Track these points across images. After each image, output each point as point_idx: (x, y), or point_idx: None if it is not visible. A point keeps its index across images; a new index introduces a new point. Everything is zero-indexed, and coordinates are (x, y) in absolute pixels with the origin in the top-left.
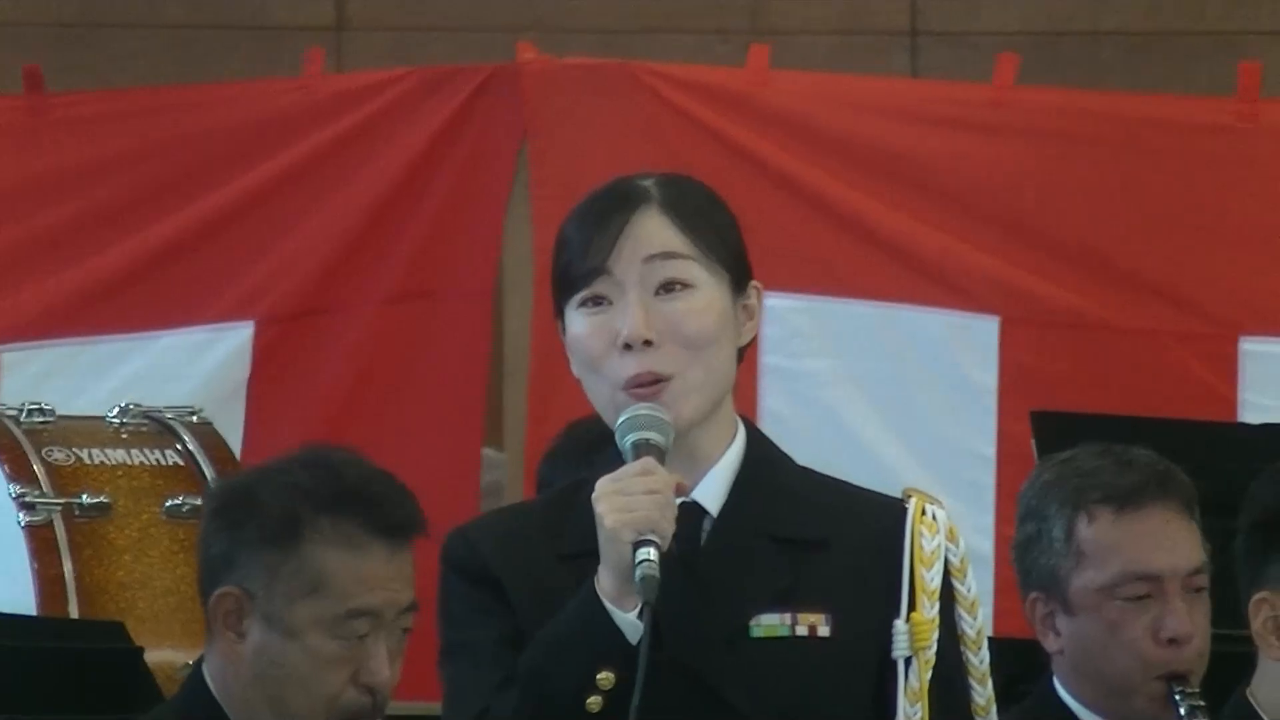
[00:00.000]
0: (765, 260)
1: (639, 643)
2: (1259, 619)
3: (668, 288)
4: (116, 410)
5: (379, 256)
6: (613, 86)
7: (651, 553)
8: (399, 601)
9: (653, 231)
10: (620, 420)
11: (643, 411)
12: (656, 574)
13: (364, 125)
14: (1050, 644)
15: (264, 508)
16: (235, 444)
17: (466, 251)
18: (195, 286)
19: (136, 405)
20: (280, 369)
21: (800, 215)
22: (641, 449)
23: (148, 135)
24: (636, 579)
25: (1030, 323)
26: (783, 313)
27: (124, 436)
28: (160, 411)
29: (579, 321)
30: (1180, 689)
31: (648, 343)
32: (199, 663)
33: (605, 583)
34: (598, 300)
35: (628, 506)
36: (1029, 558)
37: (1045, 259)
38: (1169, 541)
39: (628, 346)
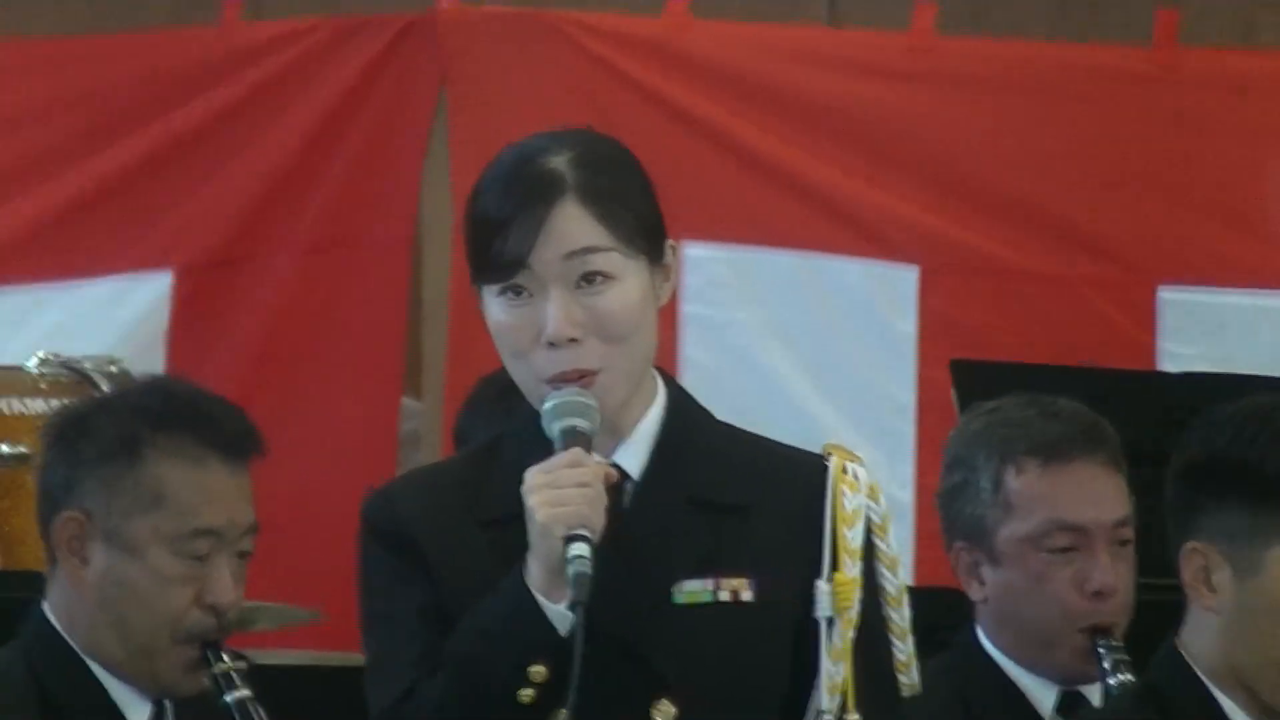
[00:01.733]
0: (685, 209)
1: (570, 635)
2: (1190, 569)
3: (588, 279)
4: (35, 360)
5: (297, 205)
6: (532, 35)
7: (584, 549)
8: (240, 521)
9: (572, 225)
10: (547, 405)
11: (570, 398)
12: (589, 571)
13: (281, 73)
14: (975, 593)
15: (100, 428)
16: None
17: (385, 200)
18: (113, 235)
19: (55, 355)
20: (199, 318)
21: (720, 164)
22: (570, 437)
23: (63, 84)
24: (569, 575)
25: (950, 271)
26: (703, 262)
27: (43, 386)
28: (79, 361)
29: (500, 309)
30: (1104, 641)
31: (572, 340)
32: (38, 601)
33: (535, 575)
34: (517, 291)
35: (559, 500)
36: (955, 507)
37: (965, 207)
38: (1095, 494)
39: (552, 344)
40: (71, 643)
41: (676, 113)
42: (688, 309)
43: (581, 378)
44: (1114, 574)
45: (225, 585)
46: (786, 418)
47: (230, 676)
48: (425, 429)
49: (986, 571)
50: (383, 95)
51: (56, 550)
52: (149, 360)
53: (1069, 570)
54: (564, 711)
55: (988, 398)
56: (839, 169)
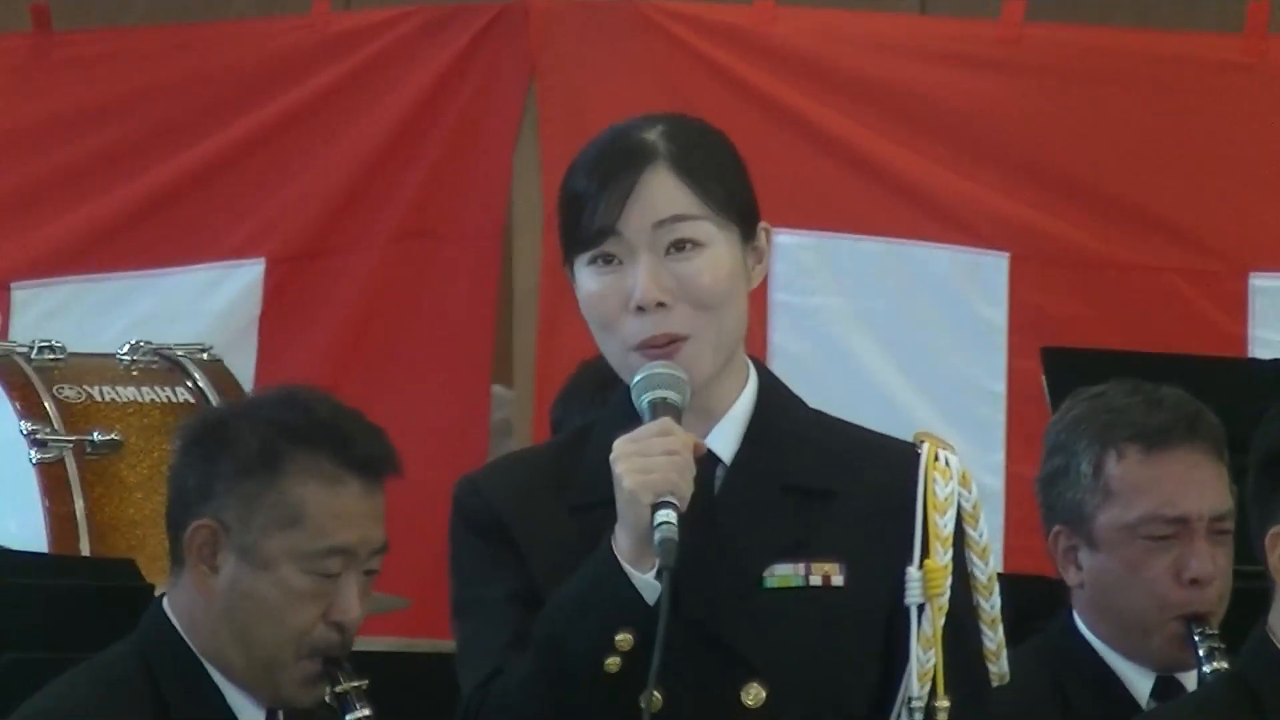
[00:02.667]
0: (773, 198)
1: (657, 604)
2: (1275, 554)
3: (679, 246)
4: (127, 348)
5: (387, 195)
6: (620, 24)
7: (670, 515)
8: (372, 541)
9: (662, 193)
10: (637, 379)
11: (659, 370)
12: (675, 537)
13: (371, 63)
14: (1071, 578)
15: (241, 440)
16: (246, 381)
17: (474, 190)
18: (205, 224)
19: (147, 343)
20: (290, 307)
21: (808, 152)
22: (659, 408)
23: (155, 74)
24: (655, 542)
25: (1040, 260)
26: (791, 250)
27: (134, 374)
28: (171, 349)
29: (590, 279)
30: (1200, 629)
31: (661, 304)
32: (159, 598)
33: (623, 544)
34: (608, 259)
35: (646, 468)
36: (1054, 491)
37: (1054, 196)
38: (1196, 484)
39: (640, 309)
40: (191, 645)
41: (764, 101)
42: (777, 297)
43: (670, 343)
44: (1211, 562)
45: (352, 603)
46: (875, 406)
47: (353, 695)
48: (516, 417)
49: (1084, 556)
50: (473, 85)
51: (186, 555)
52: (241, 348)
53: (1167, 558)
54: (655, 694)
55: (1078, 386)
56: (927, 157)
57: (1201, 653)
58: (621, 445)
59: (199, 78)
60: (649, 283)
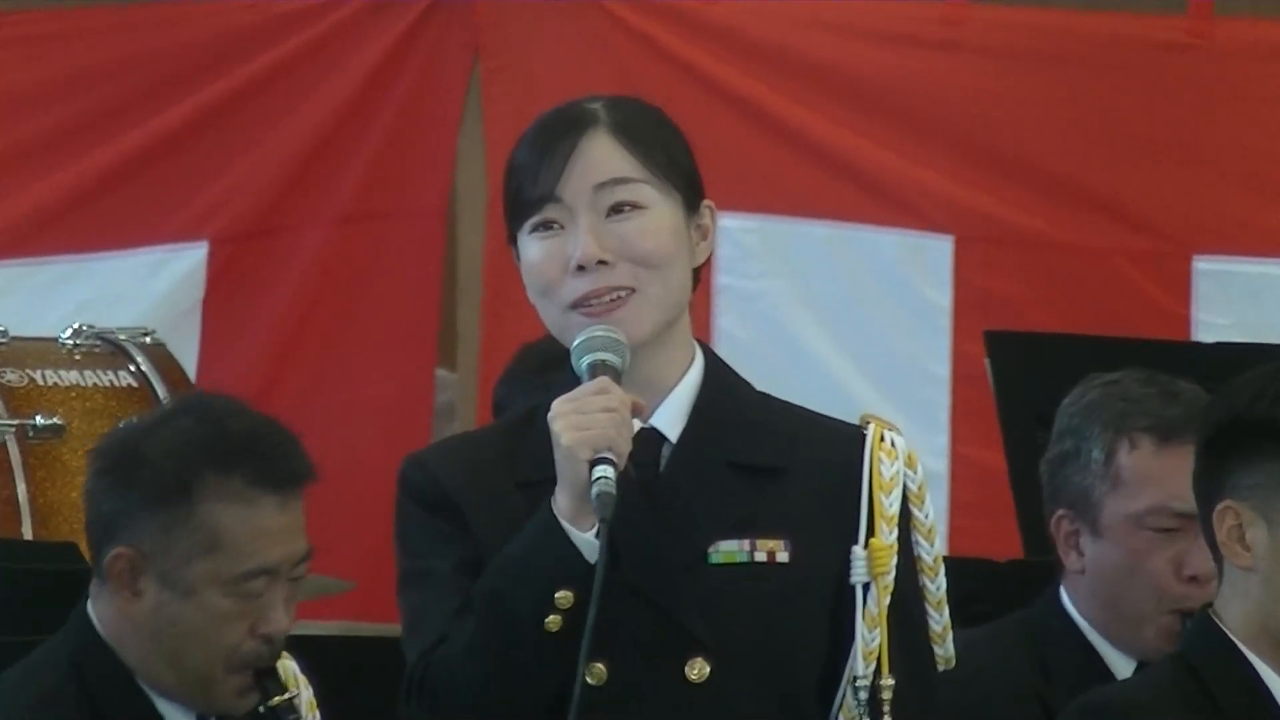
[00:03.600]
0: (717, 181)
1: (597, 561)
2: (1223, 529)
3: (618, 209)
4: (70, 331)
5: (332, 176)
6: (564, 5)
7: (608, 470)
8: (295, 554)
9: (602, 156)
10: (576, 342)
11: (598, 333)
12: (613, 491)
13: (315, 44)
14: (1071, 563)
15: (153, 466)
16: (189, 365)
17: (419, 171)
18: (148, 207)
19: (90, 326)
20: (234, 289)
21: (752, 135)
22: (598, 369)
23: (98, 55)
24: (593, 496)
25: (984, 242)
26: (735, 233)
27: (77, 358)
28: (113, 333)
29: (531, 247)
30: None
31: (602, 262)
32: (83, 605)
33: (562, 502)
34: (548, 225)
35: (584, 425)
36: (1061, 474)
37: (999, 178)
38: None
39: (580, 268)
40: (120, 657)
41: (709, 84)
42: (721, 280)
43: (613, 295)
44: (1211, 561)
45: (279, 616)
46: (820, 389)
47: (285, 708)
48: (460, 400)
49: (1086, 542)
50: (417, 66)
51: (107, 580)
52: (184, 331)
53: (1169, 551)
54: (600, 666)
55: (1023, 368)
56: (872, 140)
57: None
58: (559, 405)
59: (142, 59)
60: (589, 241)
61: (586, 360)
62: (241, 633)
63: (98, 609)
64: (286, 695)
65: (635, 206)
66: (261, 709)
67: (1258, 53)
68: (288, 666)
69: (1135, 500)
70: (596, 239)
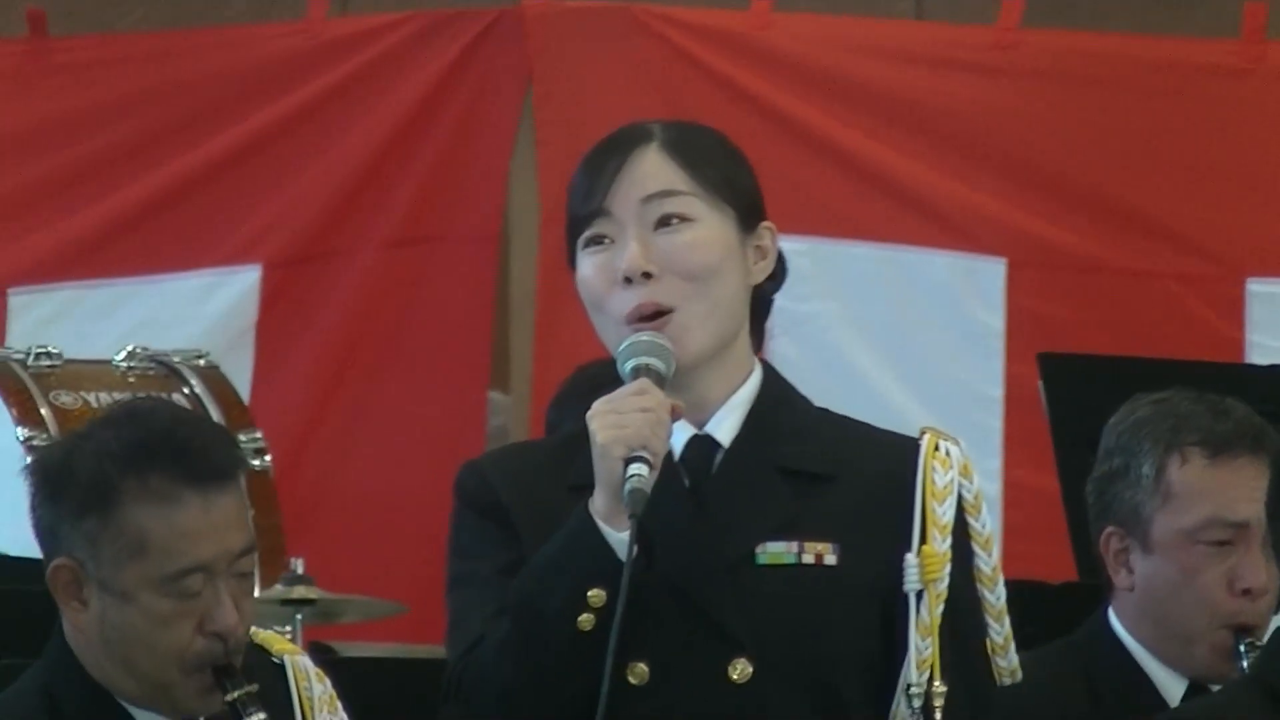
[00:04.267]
0: (768, 203)
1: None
2: None
3: (666, 222)
4: (123, 354)
5: (384, 200)
6: (616, 29)
7: (642, 469)
8: (231, 549)
9: (650, 170)
10: (621, 347)
11: (643, 338)
12: (645, 488)
13: (367, 69)
14: (1121, 580)
15: (75, 475)
16: (243, 387)
17: (471, 195)
18: (201, 230)
19: (143, 349)
20: (287, 312)
21: (803, 157)
22: (640, 372)
23: (151, 79)
24: (625, 492)
25: (1036, 265)
26: (787, 255)
27: (131, 380)
28: (167, 355)
29: (584, 262)
30: (1246, 640)
31: (647, 275)
32: (60, 626)
33: (598, 501)
34: (599, 240)
35: (619, 424)
36: (1110, 491)
37: (1051, 202)
38: (1258, 492)
39: (628, 280)
40: (91, 673)
41: (760, 106)
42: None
43: (657, 313)
44: (1265, 574)
45: (225, 612)
46: (872, 411)
47: (245, 701)
48: (512, 423)
49: (1136, 559)
50: (469, 90)
51: (54, 594)
52: (237, 354)
53: (1222, 566)
54: (642, 666)
55: (1076, 391)
56: (923, 163)
57: (1245, 664)
58: (598, 405)
59: (194, 83)
60: (635, 253)
61: (630, 364)
62: (188, 633)
63: (66, 626)
64: (245, 689)
65: (682, 219)
66: (225, 704)
67: None
68: (299, 663)
69: (1187, 515)
70: (641, 250)
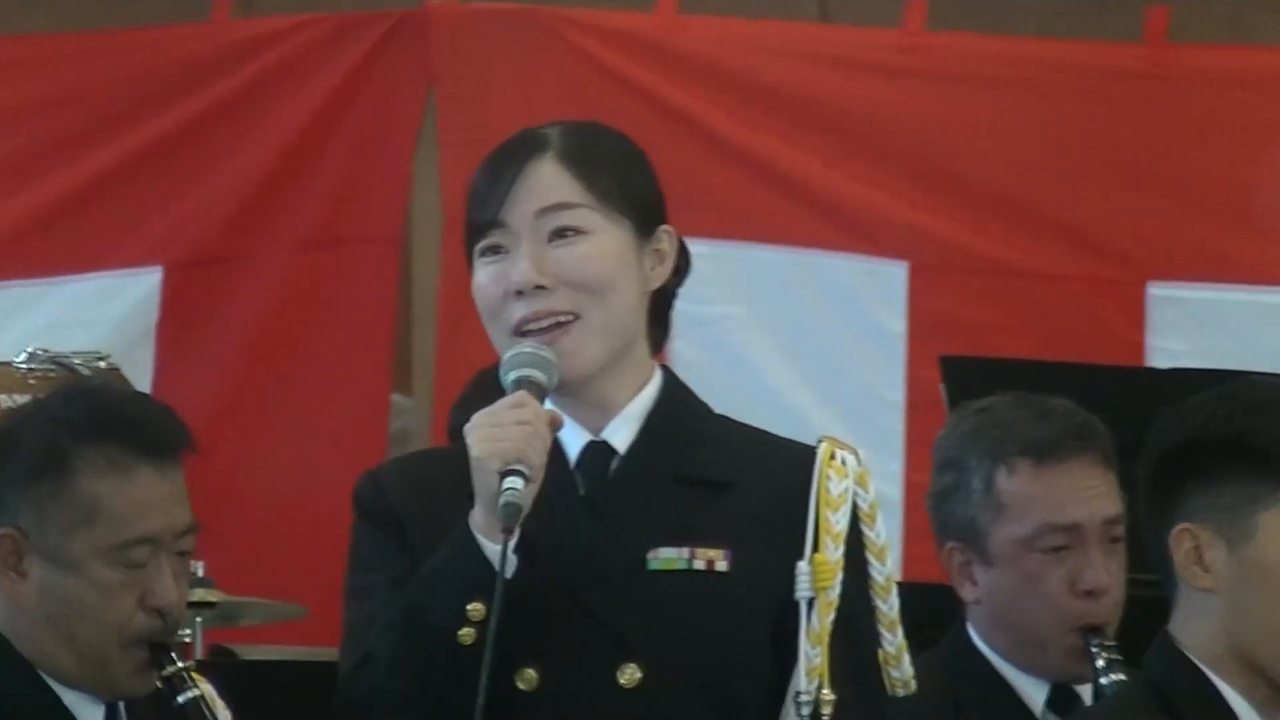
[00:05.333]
0: (673, 205)
1: (509, 572)
2: (1181, 551)
3: (560, 234)
4: (24, 355)
5: (287, 203)
6: (521, 31)
7: (517, 482)
8: (176, 524)
9: (545, 182)
10: (504, 358)
11: (525, 349)
12: (520, 502)
13: (272, 71)
14: (967, 594)
15: (26, 444)
16: (144, 389)
17: (374, 198)
18: (102, 232)
19: (44, 351)
20: (188, 315)
21: (709, 160)
22: (520, 385)
23: (55, 81)
24: (499, 505)
25: (939, 268)
26: (691, 258)
27: (31, 382)
28: (68, 357)
29: (479, 271)
30: (1096, 641)
31: (539, 287)
32: None
33: (477, 515)
34: (495, 250)
35: (496, 436)
36: (946, 508)
37: (954, 204)
38: (1088, 492)
39: (519, 293)
40: (20, 651)
41: (666, 109)
42: (676, 305)
43: (554, 325)
44: (1106, 573)
45: (168, 587)
46: (775, 415)
47: (181, 677)
48: (415, 426)
49: (979, 572)
50: (372, 92)
51: None
52: (139, 356)
53: (1062, 570)
54: (531, 672)
55: (978, 394)
56: (828, 165)
57: (1099, 664)
58: (476, 418)
59: (99, 85)
60: (527, 266)
61: (511, 376)
62: (131, 605)
63: None
64: (181, 666)
65: (576, 231)
66: (159, 682)
67: (1215, 79)
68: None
69: (1021, 524)
70: (535, 264)
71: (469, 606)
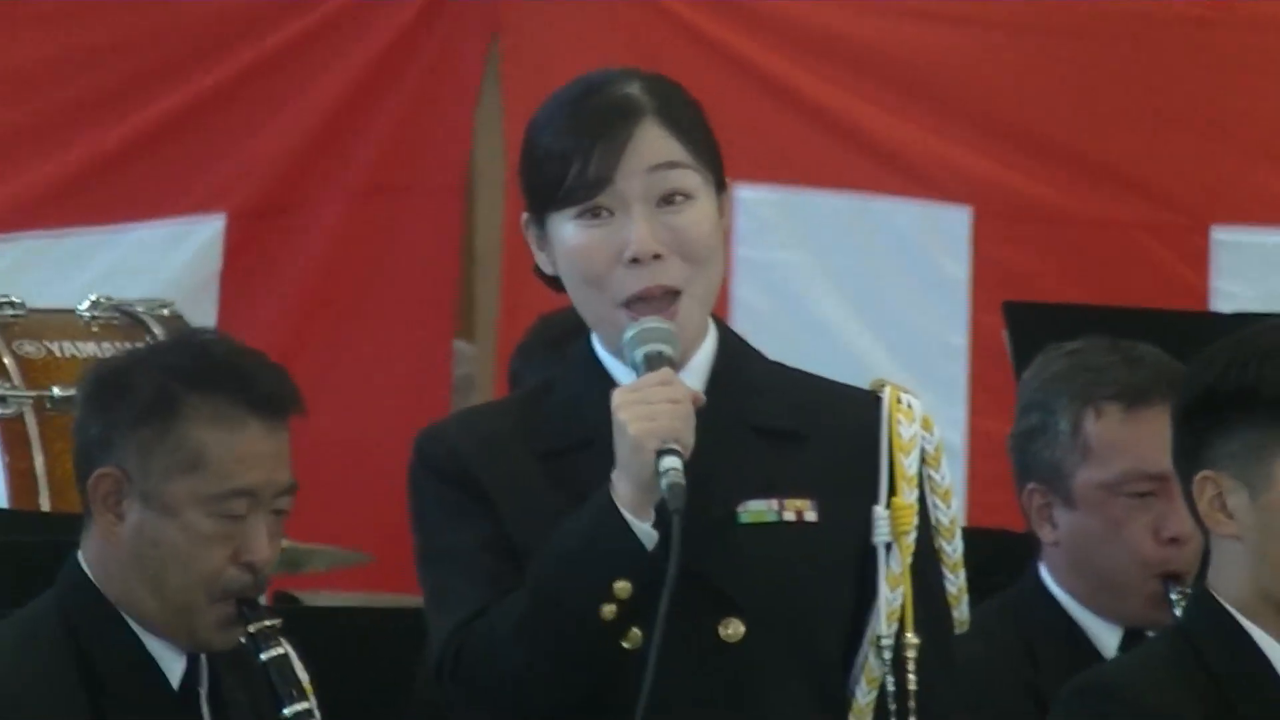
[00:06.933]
0: (734, 151)
1: (654, 551)
2: (1204, 499)
3: (669, 199)
4: (88, 303)
5: (349, 150)
6: None
7: (676, 462)
8: (278, 481)
9: (654, 143)
10: (629, 334)
11: (651, 324)
12: (683, 482)
13: (335, 18)
14: (1046, 535)
15: (137, 387)
16: None
17: (437, 145)
18: (166, 179)
19: (108, 298)
20: (252, 262)
21: (770, 107)
22: (655, 361)
23: (116, 29)
24: (664, 487)
25: (1002, 214)
26: (753, 204)
27: (95, 330)
28: (132, 305)
29: (575, 234)
30: (1176, 588)
31: (657, 256)
32: (74, 550)
33: (623, 491)
34: (597, 212)
35: (651, 415)
36: (1030, 449)
37: (1017, 150)
38: None
39: (635, 260)
40: (107, 596)
41: (726, 56)
42: (739, 251)
43: (664, 295)
44: (1190, 521)
45: (261, 544)
46: (837, 360)
47: (266, 634)
48: (478, 373)
49: (1060, 514)
50: (435, 40)
51: (92, 504)
52: (202, 303)
53: (1146, 516)
54: (635, 630)
55: (1041, 340)
56: (890, 111)
57: (1177, 611)
58: (622, 394)
59: (160, 33)
60: (647, 234)
61: (643, 350)
62: (224, 558)
63: (86, 550)
64: (268, 622)
65: (685, 196)
66: (243, 637)
67: (1275, 24)
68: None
69: (1107, 468)
70: (653, 230)
71: (616, 584)
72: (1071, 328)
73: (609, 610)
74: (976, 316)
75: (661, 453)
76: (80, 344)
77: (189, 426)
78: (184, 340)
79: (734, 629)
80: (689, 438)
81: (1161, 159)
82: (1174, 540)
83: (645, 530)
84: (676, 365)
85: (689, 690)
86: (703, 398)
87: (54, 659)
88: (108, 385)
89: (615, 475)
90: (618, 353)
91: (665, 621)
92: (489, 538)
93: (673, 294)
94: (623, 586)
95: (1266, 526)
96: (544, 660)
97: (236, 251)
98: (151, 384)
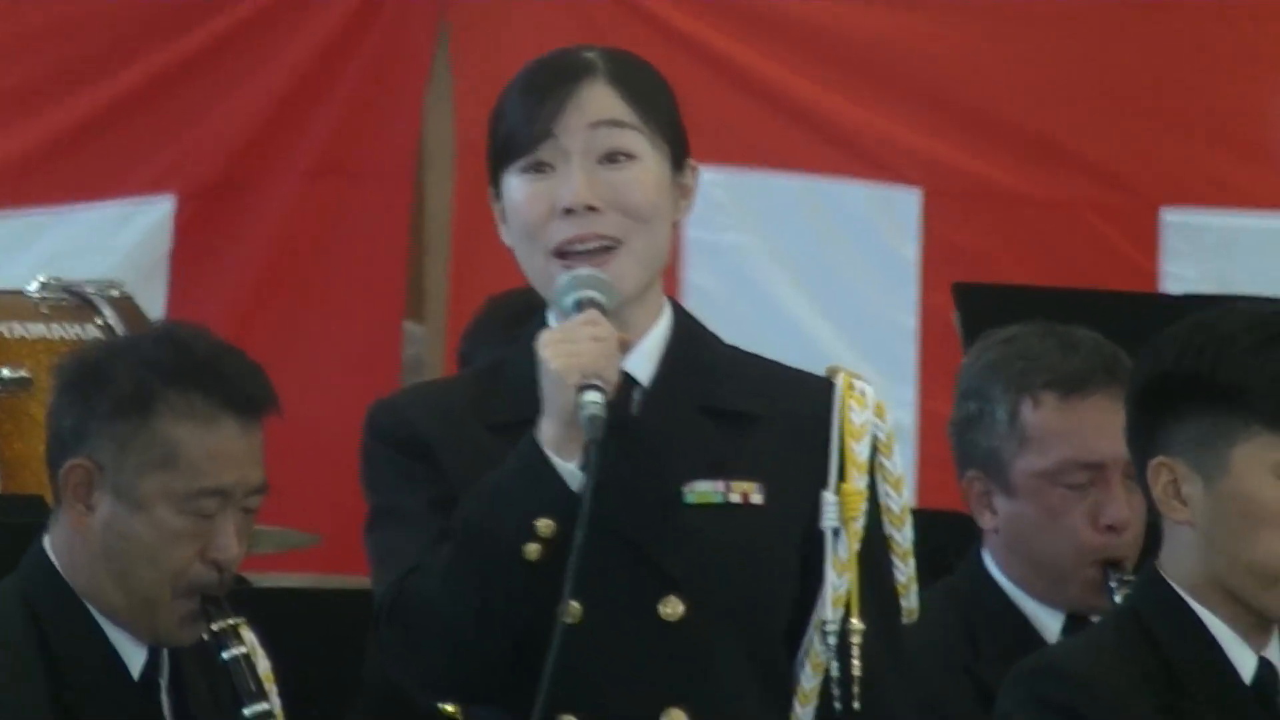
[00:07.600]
0: (688, 133)
1: (579, 493)
2: (1159, 485)
3: (611, 158)
4: (37, 284)
5: (299, 130)
6: None
7: (597, 396)
8: (250, 481)
9: (599, 99)
10: (561, 281)
11: (584, 273)
12: (603, 414)
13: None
14: (986, 522)
15: (115, 381)
16: (157, 318)
17: (387, 125)
18: (115, 160)
19: (57, 279)
20: (202, 242)
21: (722, 88)
22: (585, 305)
23: (66, 9)
24: (583, 418)
25: (953, 195)
26: (704, 186)
27: (44, 311)
28: (81, 286)
29: (518, 187)
30: (1115, 575)
31: (591, 208)
32: (25, 533)
33: (547, 430)
34: (539, 166)
35: (573, 352)
36: (968, 437)
37: (967, 132)
38: (1113, 428)
39: (569, 211)
40: (72, 585)
41: (678, 37)
42: (690, 233)
43: (600, 247)
44: (1127, 507)
45: (229, 542)
46: (789, 341)
47: (229, 633)
48: (428, 354)
49: (999, 502)
50: (386, 21)
51: (63, 493)
52: (152, 284)
53: (1084, 504)
54: (575, 604)
55: (990, 321)
56: (841, 93)
57: (1116, 598)
58: (547, 334)
59: (109, 12)
60: (582, 184)
61: (573, 297)
62: (191, 554)
63: (53, 539)
64: (231, 620)
65: (628, 156)
66: (205, 635)
67: (1225, 6)
68: (247, 636)
69: (1044, 457)
70: (588, 182)
71: (539, 522)
72: (1020, 309)
73: (533, 550)
74: (926, 297)
75: (583, 387)
76: (29, 325)
77: (165, 423)
78: (165, 335)
79: (673, 608)
80: (612, 374)
81: (1111, 140)
82: (1111, 528)
83: (569, 469)
84: (608, 314)
85: (626, 666)
86: (629, 339)
87: (15, 645)
88: (86, 375)
89: (542, 416)
90: (556, 311)
91: (575, 582)
92: (437, 498)
93: (608, 247)
94: (546, 524)
95: (1220, 514)
96: (470, 599)
97: (186, 232)
98: (130, 378)
